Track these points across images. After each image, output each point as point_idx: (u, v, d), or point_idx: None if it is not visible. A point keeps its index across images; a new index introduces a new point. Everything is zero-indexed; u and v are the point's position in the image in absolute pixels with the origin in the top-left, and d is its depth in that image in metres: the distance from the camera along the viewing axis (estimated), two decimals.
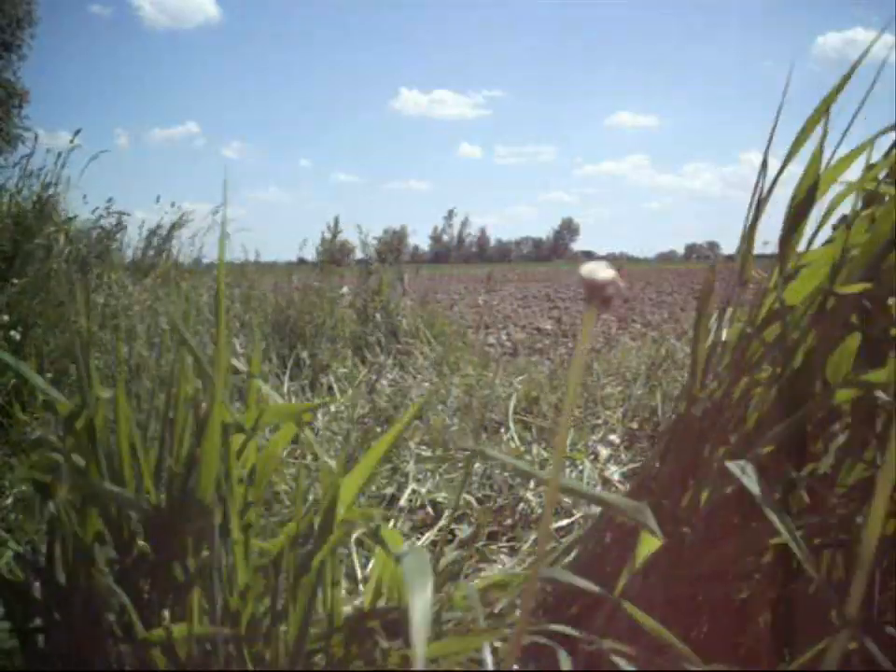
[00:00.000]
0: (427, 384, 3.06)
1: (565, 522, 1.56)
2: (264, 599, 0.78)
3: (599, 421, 2.47)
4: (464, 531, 1.57)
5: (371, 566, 1.17)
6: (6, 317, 2.48)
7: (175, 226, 5.17)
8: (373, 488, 1.78)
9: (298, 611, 0.76)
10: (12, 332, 2.45)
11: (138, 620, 0.74)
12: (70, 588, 0.78)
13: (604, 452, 2.12)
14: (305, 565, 0.76)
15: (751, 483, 0.72)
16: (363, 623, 0.79)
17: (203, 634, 0.74)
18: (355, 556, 1.27)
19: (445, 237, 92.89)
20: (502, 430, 2.32)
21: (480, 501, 1.75)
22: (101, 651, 0.76)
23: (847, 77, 0.87)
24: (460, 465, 1.94)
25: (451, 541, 1.51)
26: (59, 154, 3.96)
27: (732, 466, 0.74)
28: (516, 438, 2.19)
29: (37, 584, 0.80)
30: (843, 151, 0.89)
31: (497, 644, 0.80)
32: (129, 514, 0.79)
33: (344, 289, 4.40)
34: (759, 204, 0.92)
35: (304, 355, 3.34)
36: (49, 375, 2.49)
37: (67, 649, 0.77)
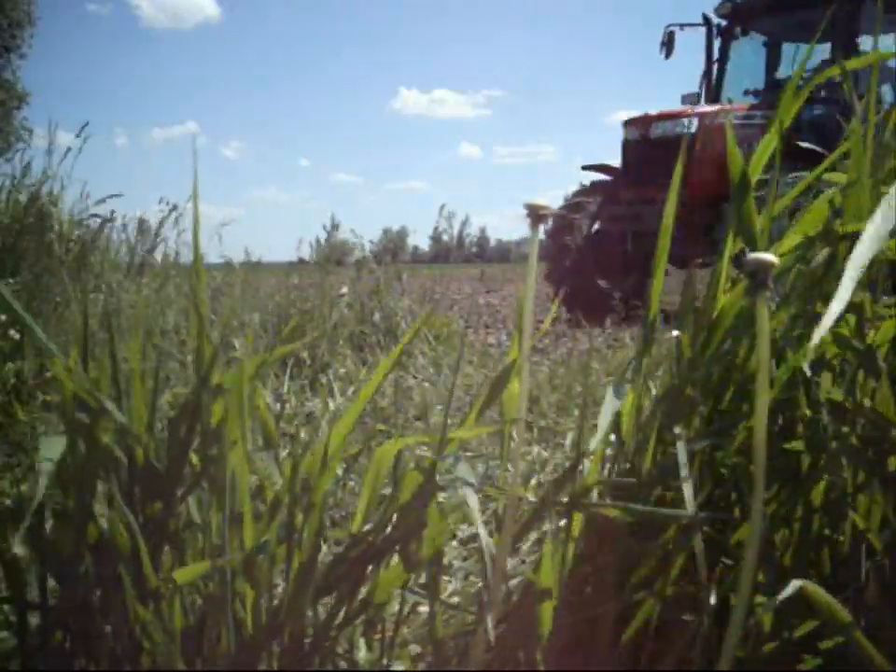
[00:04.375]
0: (427, 384, 3.06)
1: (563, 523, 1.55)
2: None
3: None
4: (464, 531, 1.57)
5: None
6: (3, 317, 2.47)
7: (163, 221, 5.14)
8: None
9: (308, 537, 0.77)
10: (11, 331, 2.44)
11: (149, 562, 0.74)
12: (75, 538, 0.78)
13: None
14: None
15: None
16: (361, 542, 0.80)
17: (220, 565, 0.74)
18: None
19: (445, 237, 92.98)
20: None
21: (480, 501, 1.75)
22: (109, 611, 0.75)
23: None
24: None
25: (452, 538, 1.50)
26: (65, 150, 3.97)
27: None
28: (516, 437, 2.18)
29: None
30: None
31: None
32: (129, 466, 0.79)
33: (343, 289, 4.40)
34: None
35: (304, 354, 3.34)
36: (49, 375, 2.48)
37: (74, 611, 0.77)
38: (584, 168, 7.27)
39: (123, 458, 0.78)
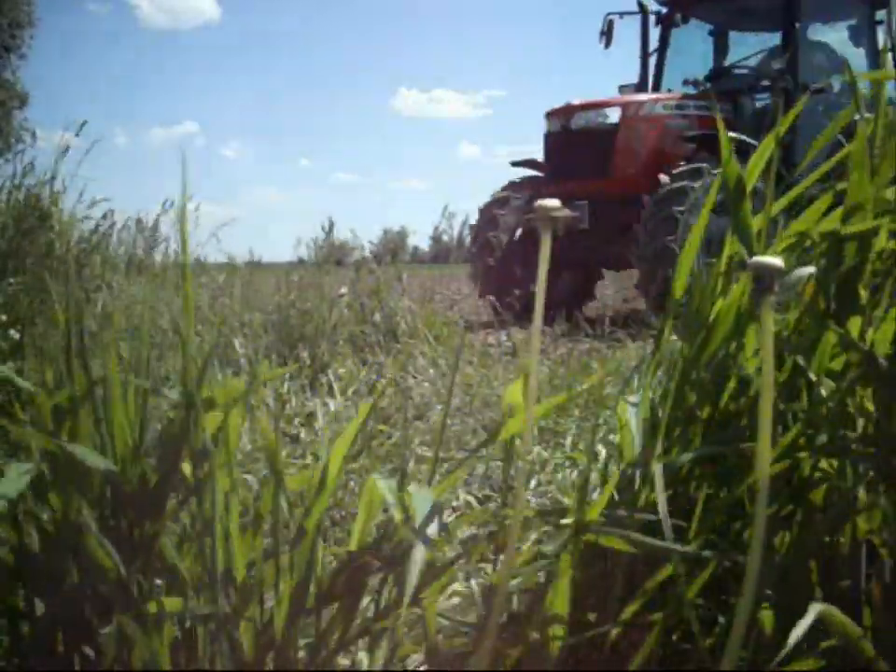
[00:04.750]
0: (427, 384, 3.05)
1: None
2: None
3: (600, 421, 2.46)
4: (464, 531, 1.57)
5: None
6: (3, 317, 2.47)
7: (157, 221, 5.12)
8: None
9: (300, 561, 0.76)
10: (11, 331, 2.44)
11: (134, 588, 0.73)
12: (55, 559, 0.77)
13: (604, 451, 2.10)
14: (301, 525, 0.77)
15: None
16: (357, 560, 0.79)
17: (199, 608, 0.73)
18: None
19: (445, 237, 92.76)
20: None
21: (480, 501, 1.75)
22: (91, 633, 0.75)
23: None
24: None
25: (450, 542, 1.50)
26: (62, 150, 3.96)
27: None
28: (518, 440, 2.18)
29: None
30: None
31: None
32: (112, 490, 0.78)
33: (343, 289, 4.39)
34: None
35: (304, 354, 3.34)
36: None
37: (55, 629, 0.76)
38: (514, 164, 6.84)
39: (103, 483, 0.76)
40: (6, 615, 0.78)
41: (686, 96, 6.35)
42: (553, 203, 0.67)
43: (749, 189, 0.87)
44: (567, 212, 0.64)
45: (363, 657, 0.84)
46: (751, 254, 0.84)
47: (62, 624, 0.76)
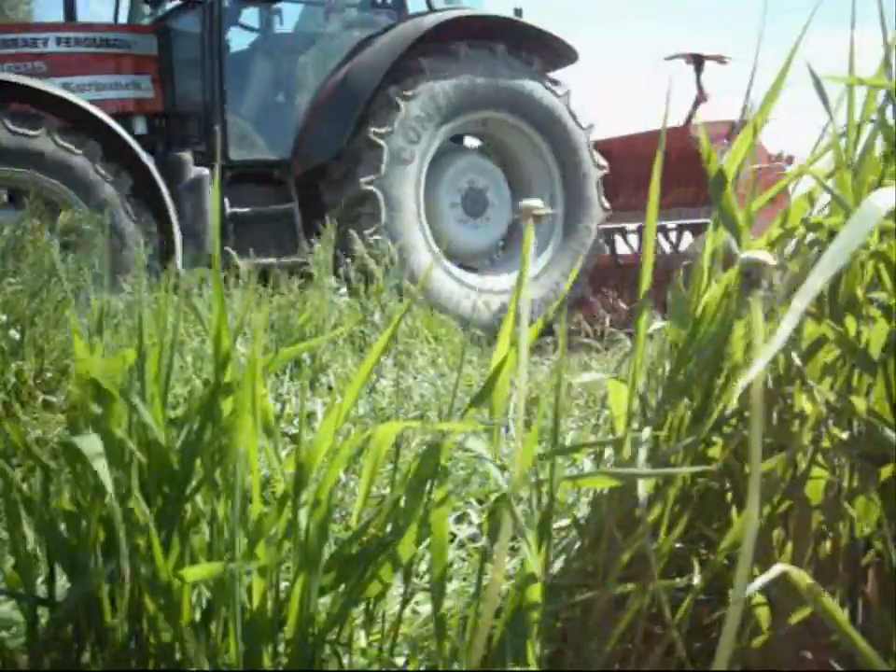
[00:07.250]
0: (427, 384, 3.05)
1: (564, 522, 1.54)
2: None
3: (600, 421, 2.45)
4: (464, 530, 1.57)
5: None
6: (3, 317, 2.47)
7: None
8: (374, 488, 1.77)
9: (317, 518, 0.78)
10: (11, 331, 2.44)
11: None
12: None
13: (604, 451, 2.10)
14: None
15: None
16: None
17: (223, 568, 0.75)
18: None
19: None
20: (503, 430, 2.30)
21: (480, 501, 1.74)
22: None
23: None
24: (461, 464, 1.94)
25: (452, 541, 1.50)
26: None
27: None
28: (517, 438, 2.17)
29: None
30: None
31: None
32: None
33: (344, 289, 4.38)
34: None
35: (304, 354, 3.33)
36: (49, 375, 2.48)
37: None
38: None
39: (138, 452, 0.77)
40: (26, 603, 0.79)
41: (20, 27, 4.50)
42: (536, 202, 0.70)
43: None
44: (548, 210, 0.67)
45: (360, 635, 0.85)
46: (739, 244, 0.84)
47: (81, 609, 0.77)
